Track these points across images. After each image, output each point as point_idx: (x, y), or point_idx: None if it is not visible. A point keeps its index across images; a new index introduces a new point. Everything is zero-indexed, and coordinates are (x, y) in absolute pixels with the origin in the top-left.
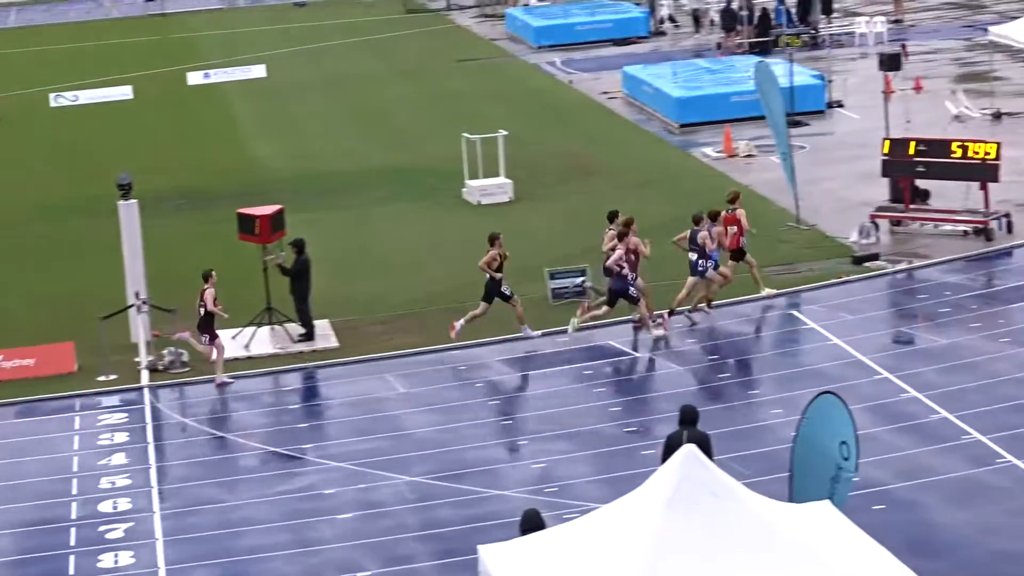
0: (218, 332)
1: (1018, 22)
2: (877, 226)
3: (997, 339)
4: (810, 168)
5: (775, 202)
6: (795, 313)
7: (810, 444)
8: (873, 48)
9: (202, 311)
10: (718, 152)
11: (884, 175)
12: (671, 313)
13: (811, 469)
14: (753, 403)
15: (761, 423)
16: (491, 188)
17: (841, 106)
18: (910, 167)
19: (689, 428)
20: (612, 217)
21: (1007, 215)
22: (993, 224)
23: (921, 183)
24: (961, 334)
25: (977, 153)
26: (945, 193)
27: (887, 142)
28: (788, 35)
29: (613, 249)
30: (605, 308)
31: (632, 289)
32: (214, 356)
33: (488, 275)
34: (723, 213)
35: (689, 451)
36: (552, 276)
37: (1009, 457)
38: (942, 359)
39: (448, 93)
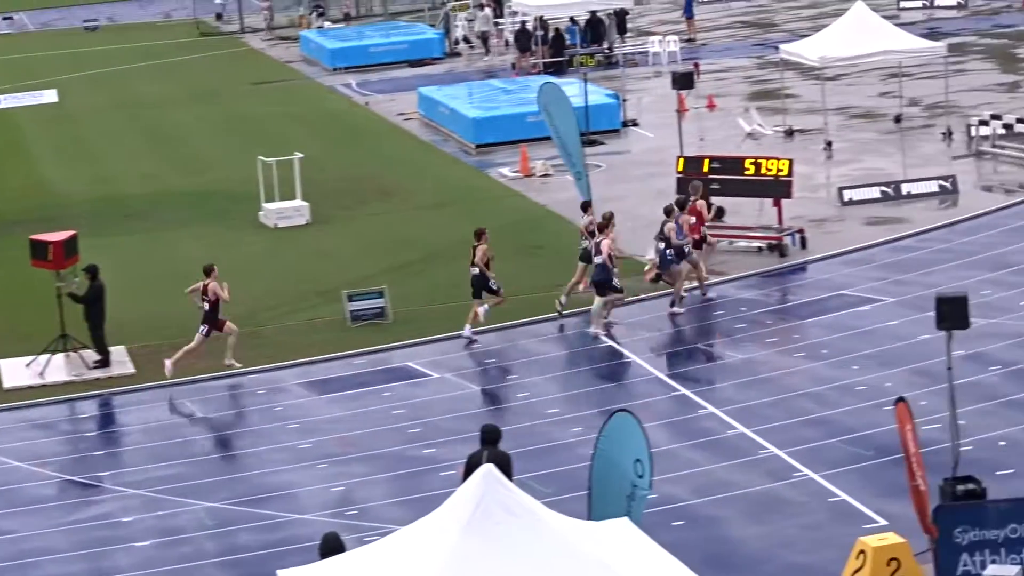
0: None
1: (808, 40)
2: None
3: (792, 354)
4: (606, 187)
5: (572, 221)
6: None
7: (607, 462)
8: (666, 67)
9: (207, 304)
10: (514, 172)
11: (679, 193)
12: (680, 300)
13: (608, 487)
14: (553, 421)
15: (560, 441)
16: (288, 211)
17: (636, 125)
18: (704, 184)
19: (490, 448)
20: (585, 207)
21: (800, 231)
22: (787, 240)
23: (716, 200)
24: (757, 349)
25: (770, 170)
26: (739, 210)
27: (681, 160)
28: (582, 55)
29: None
30: (599, 299)
31: (616, 280)
32: (197, 344)
33: (480, 270)
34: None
35: (487, 471)
36: (350, 298)
37: (805, 471)
38: (739, 375)
39: (244, 116)
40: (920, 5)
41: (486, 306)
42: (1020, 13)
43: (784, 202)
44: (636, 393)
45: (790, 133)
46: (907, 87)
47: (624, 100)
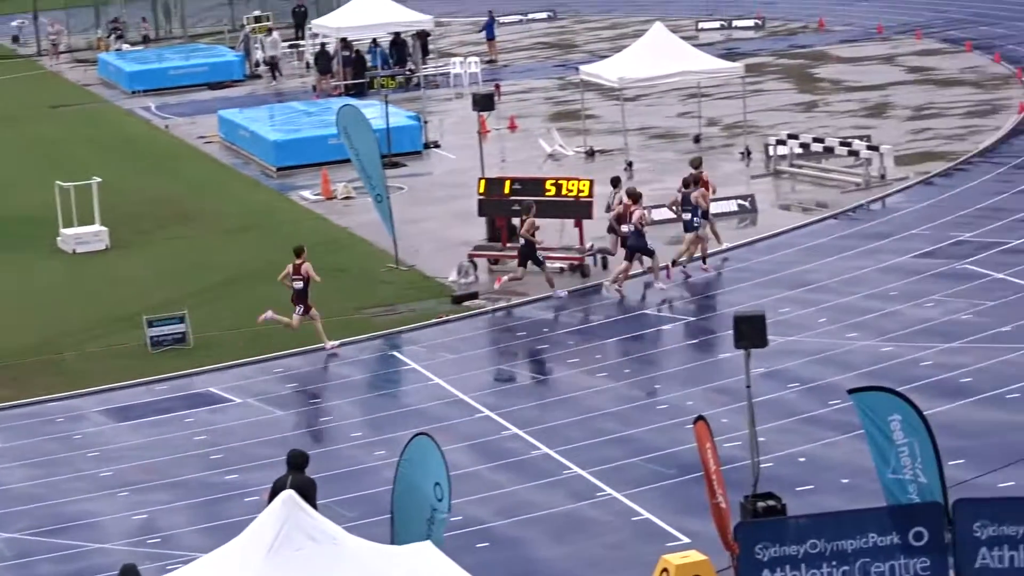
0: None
1: (607, 61)
2: (475, 265)
3: (594, 374)
4: (408, 209)
5: (374, 243)
6: (396, 354)
7: (408, 486)
8: (468, 88)
9: (299, 284)
10: (316, 195)
11: (481, 214)
12: (674, 264)
13: (410, 511)
14: (357, 445)
15: (365, 465)
16: (86, 236)
17: (438, 146)
18: (506, 206)
19: (295, 473)
20: (615, 182)
21: (602, 251)
22: (588, 260)
23: (517, 221)
24: (560, 370)
25: (571, 191)
26: (541, 230)
27: (483, 181)
28: (383, 77)
29: (623, 212)
30: (625, 264)
31: (649, 243)
32: (297, 325)
33: (526, 240)
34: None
35: (288, 497)
36: (150, 324)
37: (608, 490)
38: (541, 395)
39: (41, 140)
40: (718, 26)
41: (505, 278)
42: (816, 34)
43: (586, 222)
44: (440, 415)
45: (591, 153)
46: (706, 107)
47: (426, 122)
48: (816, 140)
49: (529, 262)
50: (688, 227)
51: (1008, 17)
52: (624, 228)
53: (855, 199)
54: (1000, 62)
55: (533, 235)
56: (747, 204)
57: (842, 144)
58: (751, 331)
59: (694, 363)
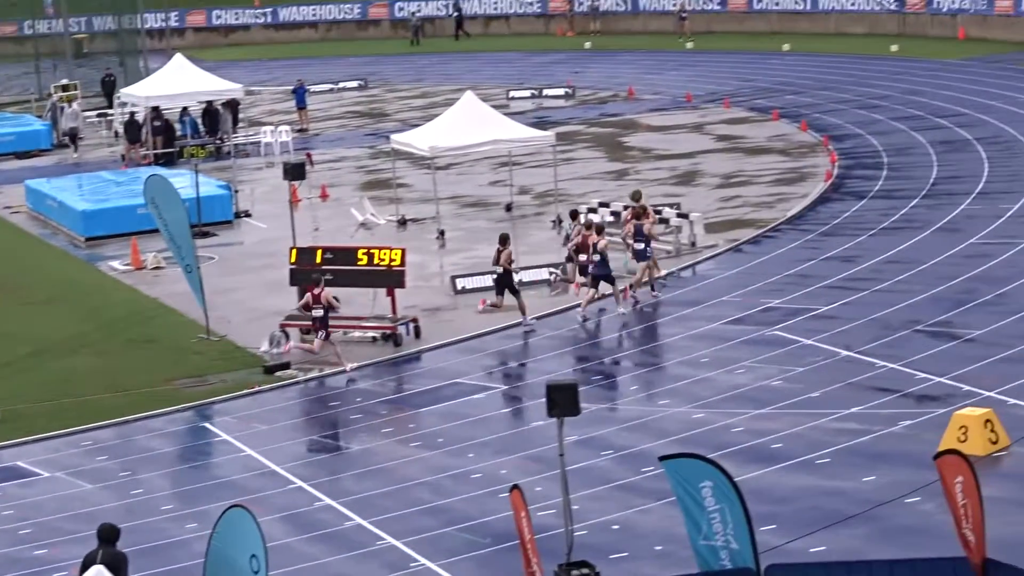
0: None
1: (418, 130)
2: (287, 335)
3: (408, 443)
4: (219, 279)
5: (185, 314)
6: (207, 425)
7: (221, 559)
8: (279, 157)
9: (320, 311)
10: (126, 265)
11: (292, 284)
12: (632, 288)
13: None
14: (168, 518)
15: (177, 538)
16: None
17: (249, 216)
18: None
19: (106, 547)
20: (574, 215)
21: (414, 320)
22: (401, 329)
23: (329, 291)
24: (373, 440)
25: (383, 260)
26: (353, 300)
27: (294, 251)
28: (194, 146)
29: (583, 241)
30: (591, 291)
31: (612, 272)
32: (319, 349)
33: (504, 270)
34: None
35: (98, 572)
36: None
37: (422, 560)
38: (355, 466)
39: None
40: (529, 95)
41: (488, 303)
42: (626, 102)
43: (398, 291)
44: (252, 487)
45: (403, 222)
46: (517, 176)
47: (236, 191)
48: (627, 208)
49: (506, 291)
50: (641, 256)
51: (813, 86)
52: (583, 257)
53: (666, 267)
54: (807, 130)
55: (510, 264)
56: (559, 273)
57: (653, 212)
58: (564, 399)
59: (508, 431)
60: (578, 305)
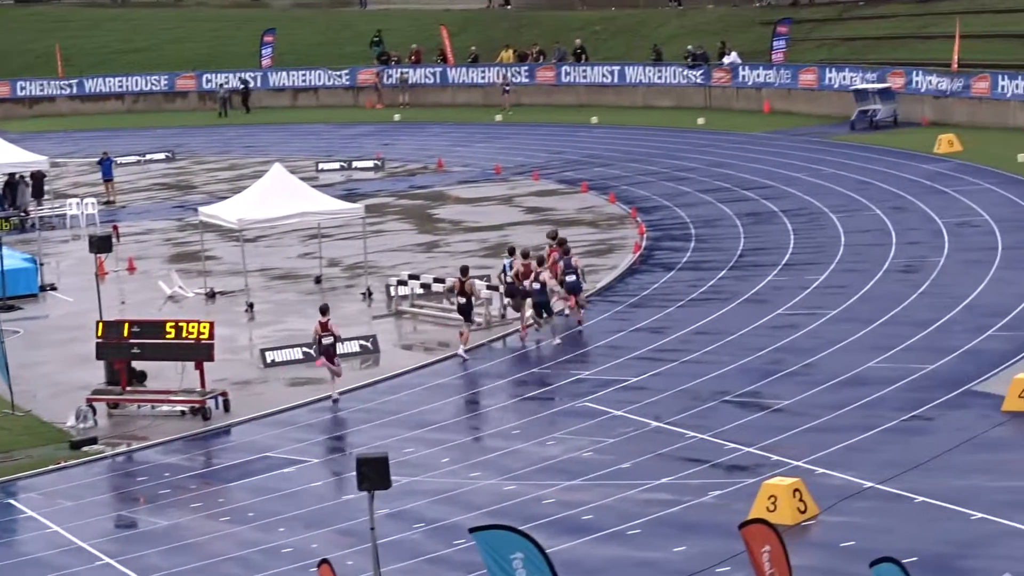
0: None
1: (226, 202)
2: (94, 409)
3: (217, 518)
4: (24, 353)
5: None
6: (12, 502)
7: None
8: (85, 230)
9: (329, 339)
10: None
11: (99, 358)
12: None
13: None
14: None
15: None
16: None
17: (55, 289)
18: (125, 348)
19: None
20: (511, 251)
21: (224, 393)
22: (210, 403)
23: (138, 364)
24: (182, 515)
25: (192, 333)
26: (161, 373)
27: (101, 324)
28: None
29: (526, 270)
30: (531, 313)
31: (553, 304)
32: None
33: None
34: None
35: None
36: None
37: None
38: (163, 541)
39: None
40: (338, 167)
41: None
42: (435, 174)
43: (207, 365)
44: (58, 564)
45: (212, 295)
46: (327, 248)
47: (42, 264)
48: (437, 280)
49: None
50: (575, 288)
51: (621, 158)
52: (526, 284)
53: (477, 339)
54: (615, 202)
55: (472, 295)
56: (369, 345)
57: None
58: (374, 472)
59: (318, 505)
60: (454, 355)
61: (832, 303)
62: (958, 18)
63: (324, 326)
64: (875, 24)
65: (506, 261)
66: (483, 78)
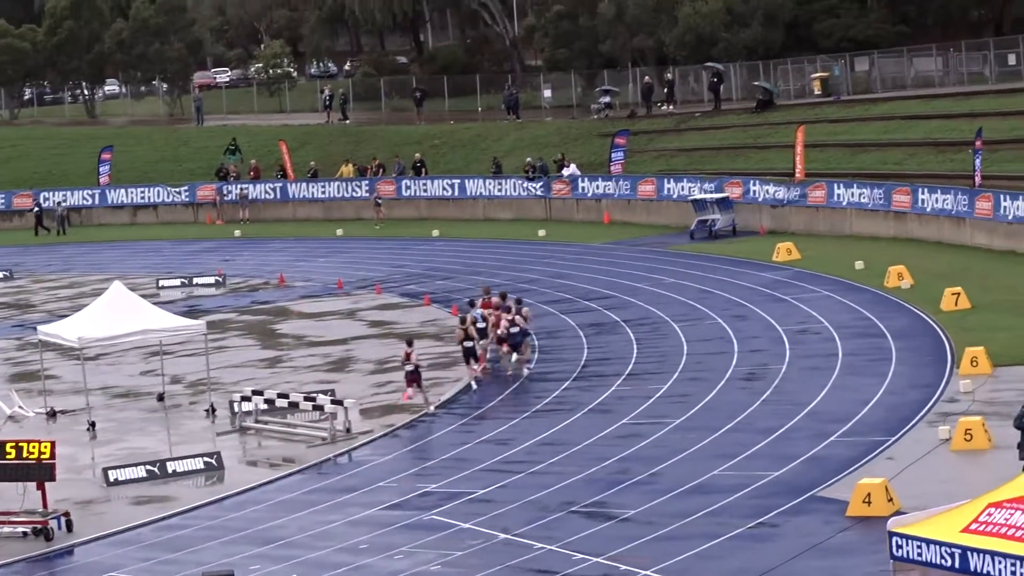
0: None
1: (66, 320)
2: None
3: None
4: None
5: None
6: None
7: None
8: None
9: (411, 368)
10: None
11: None
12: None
13: None
14: None
15: None
16: None
17: None
18: None
19: None
20: (471, 303)
21: (66, 513)
22: (52, 523)
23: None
24: None
25: (32, 453)
26: (3, 494)
27: None
28: None
29: (496, 320)
30: (508, 348)
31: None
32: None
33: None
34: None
35: None
36: None
37: None
38: None
39: None
40: (179, 283)
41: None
42: (277, 289)
43: (48, 485)
44: None
45: (53, 414)
46: (169, 365)
47: None
48: (281, 396)
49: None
50: (521, 336)
51: (463, 271)
52: (500, 331)
53: (322, 453)
54: (457, 314)
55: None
56: (213, 462)
57: (307, 399)
58: None
59: None
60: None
61: (676, 412)
62: (802, 128)
63: (408, 356)
64: (711, 135)
65: (477, 312)
66: (323, 193)
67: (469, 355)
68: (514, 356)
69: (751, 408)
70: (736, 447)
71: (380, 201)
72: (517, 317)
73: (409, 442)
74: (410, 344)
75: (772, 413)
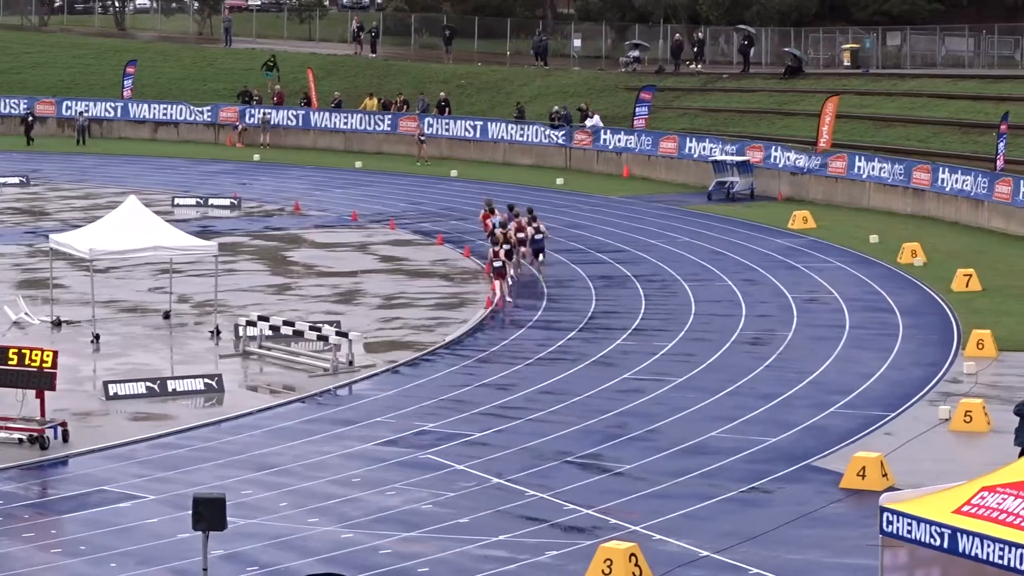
0: None
1: (79, 231)
2: None
3: (48, 550)
4: None
5: None
6: None
7: None
8: None
9: (498, 264)
10: None
11: None
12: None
13: None
14: None
15: None
16: None
17: None
18: None
19: None
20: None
21: (63, 424)
22: (48, 432)
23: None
24: (12, 544)
25: (34, 360)
26: (1, 400)
27: None
28: None
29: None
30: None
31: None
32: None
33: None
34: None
35: None
36: None
37: None
38: None
39: None
40: (194, 203)
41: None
42: (292, 217)
43: (48, 394)
44: None
45: (58, 324)
46: (178, 284)
47: None
48: (286, 323)
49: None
50: (542, 244)
51: (477, 213)
52: (525, 233)
53: (322, 384)
54: (470, 256)
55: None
56: (214, 383)
57: (312, 328)
58: (210, 513)
59: (153, 542)
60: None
61: (679, 371)
62: (835, 99)
63: (506, 237)
64: (737, 97)
65: (495, 219)
66: (346, 124)
67: (500, 274)
68: (541, 256)
69: (754, 372)
70: (736, 410)
71: (424, 139)
72: (541, 225)
73: (410, 379)
74: (498, 242)
75: (775, 379)
